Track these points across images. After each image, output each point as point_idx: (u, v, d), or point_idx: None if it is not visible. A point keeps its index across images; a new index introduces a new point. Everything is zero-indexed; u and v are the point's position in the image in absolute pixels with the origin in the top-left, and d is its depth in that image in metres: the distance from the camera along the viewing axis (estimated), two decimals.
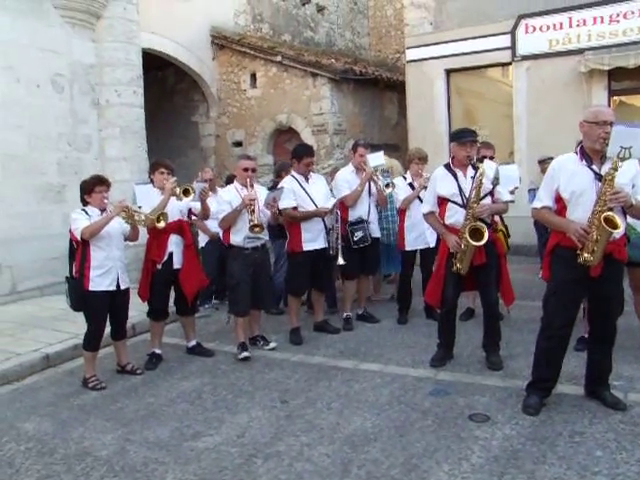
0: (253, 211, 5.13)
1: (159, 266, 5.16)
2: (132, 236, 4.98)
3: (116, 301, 4.85)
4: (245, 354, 5.29)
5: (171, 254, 5.19)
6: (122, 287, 4.85)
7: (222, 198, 5.38)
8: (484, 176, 4.49)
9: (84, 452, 3.70)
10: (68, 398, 4.63)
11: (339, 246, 5.83)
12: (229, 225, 5.30)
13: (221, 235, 6.06)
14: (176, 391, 4.66)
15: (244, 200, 5.15)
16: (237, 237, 5.31)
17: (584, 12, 9.50)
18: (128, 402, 4.48)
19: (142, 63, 9.28)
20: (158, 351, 5.37)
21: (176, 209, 5.20)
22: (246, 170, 5.34)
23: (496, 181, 4.74)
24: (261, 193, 5.38)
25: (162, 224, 4.87)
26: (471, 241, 4.43)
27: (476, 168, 4.61)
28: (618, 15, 9.27)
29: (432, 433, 3.68)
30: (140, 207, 4.92)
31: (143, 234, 5.12)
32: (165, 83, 13.61)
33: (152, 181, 5.35)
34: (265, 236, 5.45)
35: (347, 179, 6.14)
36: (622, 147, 3.46)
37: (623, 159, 3.49)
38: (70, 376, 5.18)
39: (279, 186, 5.72)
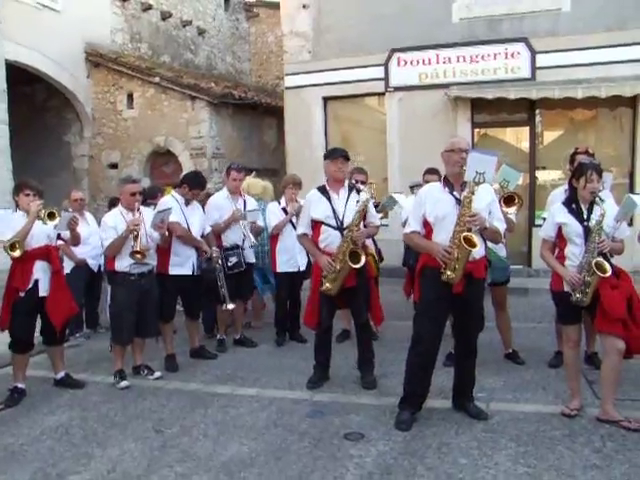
0: (136, 237, 5.00)
1: (22, 294, 4.82)
2: None
3: None
4: (125, 383, 5.12)
5: (37, 281, 4.86)
6: None
7: (107, 224, 5.18)
8: (368, 203, 4.74)
9: None
10: None
11: (225, 293, 5.78)
12: (116, 252, 5.13)
13: (100, 262, 5.75)
14: (40, 427, 4.35)
15: (128, 226, 5.04)
16: (122, 263, 5.15)
17: (449, 51, 10.22)
18: None
19: (7, 76, 8.72)
20: (21, 385, 4.97)
21: (43, 234, 4.89)
22: (134, 195, 5.20)
23: (383, 208, 4.98)
24: (148, 216, 5.24)
25: (17, 253, 4.55)
26: (350, 263, 4.60)
27: (351, 190, 4.84)
28: (477, 56, 10.11)
29: (308, 454, 3.72)
30: None
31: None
32: (34, 99, 12.86)
33: (17, 203, 5.02)
34: (153, 261, 5.30)
35: (219, 205, 6.13)
36: (477, 172, 3.78)
37: (478, 183, 3.82)
38: None
39: (163, 207, 5.55)
